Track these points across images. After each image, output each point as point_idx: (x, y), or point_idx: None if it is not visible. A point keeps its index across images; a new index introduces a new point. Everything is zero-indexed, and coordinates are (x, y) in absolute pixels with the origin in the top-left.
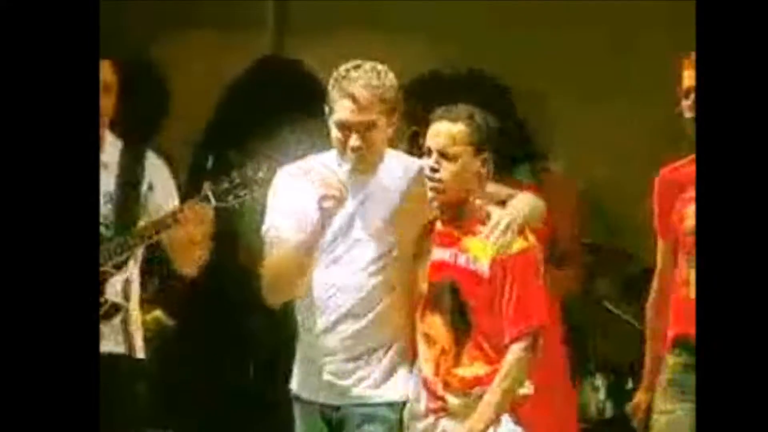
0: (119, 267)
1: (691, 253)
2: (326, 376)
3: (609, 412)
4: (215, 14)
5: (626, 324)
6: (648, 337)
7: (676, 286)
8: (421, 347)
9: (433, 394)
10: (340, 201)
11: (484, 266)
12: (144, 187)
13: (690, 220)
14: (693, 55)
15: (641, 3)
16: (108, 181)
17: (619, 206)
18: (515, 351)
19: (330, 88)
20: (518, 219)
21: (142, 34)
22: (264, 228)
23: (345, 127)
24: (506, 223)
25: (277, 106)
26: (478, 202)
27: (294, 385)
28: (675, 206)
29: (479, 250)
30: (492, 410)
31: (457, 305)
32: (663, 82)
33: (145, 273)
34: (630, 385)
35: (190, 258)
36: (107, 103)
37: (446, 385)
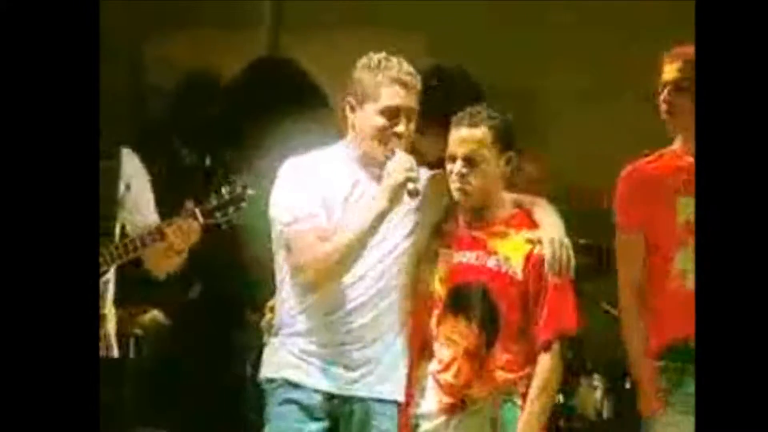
0: (101, 275)
1: (688, 245)
2: (334, 366)
3: (606, 412)
4: (211, 14)
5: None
6: (632, 333)
7: (668, 282)
8: (441, 350)
9: (451, 396)
10: (415, 184)
11: (516, 267)
12: (121, 188)
13: (682, 216)
14: (673, 51)
15: (641, 3)
16: None
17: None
18: (548, 358)
19: (362, 78)
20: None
21: (137, 34)
22: (284, 219)
23: (393, 113)
24: (566, 243)
25: (274, 106)
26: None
27: (288, 373)
28: (658, 200)
29: (509, 251)
30: (537, 423)
31: (487, 308)
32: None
33: (120, 274)
34: (627, 385)
35: (166, 265)
36: None
37: (468, 387)
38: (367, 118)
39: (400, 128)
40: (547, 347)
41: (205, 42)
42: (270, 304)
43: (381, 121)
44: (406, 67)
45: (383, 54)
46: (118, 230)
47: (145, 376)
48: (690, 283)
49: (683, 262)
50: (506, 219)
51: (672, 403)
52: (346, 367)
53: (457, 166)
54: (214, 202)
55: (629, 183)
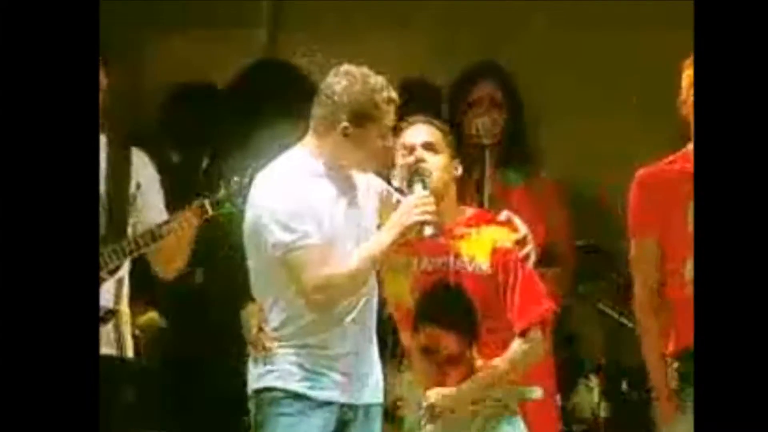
0: (113, 272)
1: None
2: (339, 375)
3: (603, 413)
4: (209, 15)
5: (621, 325)
6: (647, 339)
7: (681, 288)
8: (420, 361)
9: (443, 404)
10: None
11: (483, 264)
12: (132, 188)
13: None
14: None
15: (639, 4)
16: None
17: (615, 208)
18: (520, 343)
19: (358, 98)
20: None
21: (136, 35)
22: (289, 238)
23: (390, 132)
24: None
25: (272, 108)
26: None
27: (292, 384)
28: (671, 205)
29: (473, 250)
30: (478, 385)
31: (462, 309)
32: (660, 85)
33: (133, 274)
34: (624, 386)
35: (173, 263)
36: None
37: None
38: (368, 139)
39: (390, 143)
40: (523, 334)
41: (203, 43)
42: (252, 312)
43: (381, 142)
44: (385, 81)
45: (356, 69)
46: (130, 229)
47: (143, 376)
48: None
49: (692, 270)
50: (464, 221)
51: (687, 408)
52: (348, 376)
53: (418, 152)
54: (222, 192)
55: (642, 187)
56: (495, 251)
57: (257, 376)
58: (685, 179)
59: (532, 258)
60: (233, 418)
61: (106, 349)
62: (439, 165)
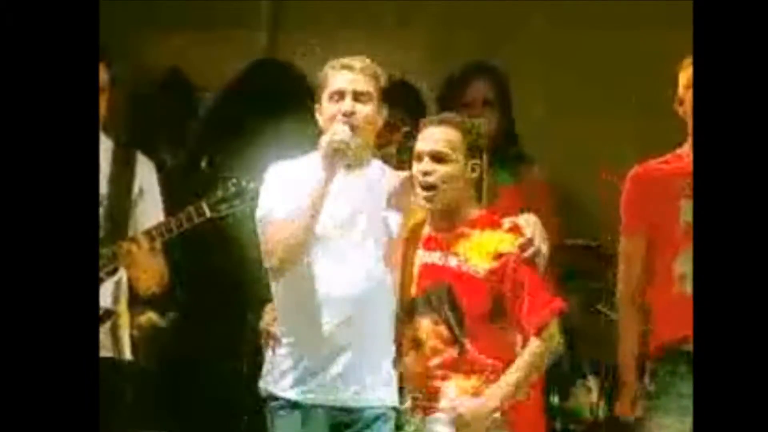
0: (112, 273)
1: (689, 249)
2: (332, 378)
3: (602, 413)
4: (209, 15)
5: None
6: (626, 335)
7: (665, 286)
8: (409, 351)
9: (427, 394)
10: (345, 151)
11: (477, 267)
12: (135, 192)
13: (684, 219)
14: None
15: (639, 4)
16: (100, 183)
17: (611, 208)
18: (538, 343)
19: (323, 78)
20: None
21: (136, 35)
22: (259, 215)
23: (341, 96)
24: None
25: (272, 108)
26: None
27: (286, 391)
28: (662, 202)
29: (471, 251)
30: (502, 394)
31: (451, 306)
32: (660, 85)
33: None
34: None
35: (144, 282)
36: (100, 104)
37: (439, 393)
38: (322, 108)
39: (345, 107)
40: (538, 333)
41: (203, 43)
42: (269, 307)
43: (330, 106)
44: (362, 60)
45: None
46: (130, 233)
47: (141, 377)
48: (688, 287)
49: (683, 266)
50: (471, 221)
51: (663, 406)
52: (344, 379)
53: (423, 164)
54: (219, 194)
55: (635, 184)
56: (498, 258)
57: (267, 377)
58: (678, 178)
59: (543, 255)
60: (232, 418)
61: (104, 350)
62: (447, 176)
